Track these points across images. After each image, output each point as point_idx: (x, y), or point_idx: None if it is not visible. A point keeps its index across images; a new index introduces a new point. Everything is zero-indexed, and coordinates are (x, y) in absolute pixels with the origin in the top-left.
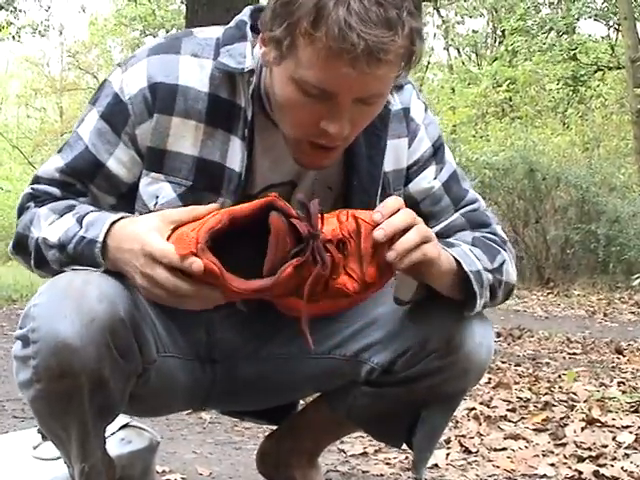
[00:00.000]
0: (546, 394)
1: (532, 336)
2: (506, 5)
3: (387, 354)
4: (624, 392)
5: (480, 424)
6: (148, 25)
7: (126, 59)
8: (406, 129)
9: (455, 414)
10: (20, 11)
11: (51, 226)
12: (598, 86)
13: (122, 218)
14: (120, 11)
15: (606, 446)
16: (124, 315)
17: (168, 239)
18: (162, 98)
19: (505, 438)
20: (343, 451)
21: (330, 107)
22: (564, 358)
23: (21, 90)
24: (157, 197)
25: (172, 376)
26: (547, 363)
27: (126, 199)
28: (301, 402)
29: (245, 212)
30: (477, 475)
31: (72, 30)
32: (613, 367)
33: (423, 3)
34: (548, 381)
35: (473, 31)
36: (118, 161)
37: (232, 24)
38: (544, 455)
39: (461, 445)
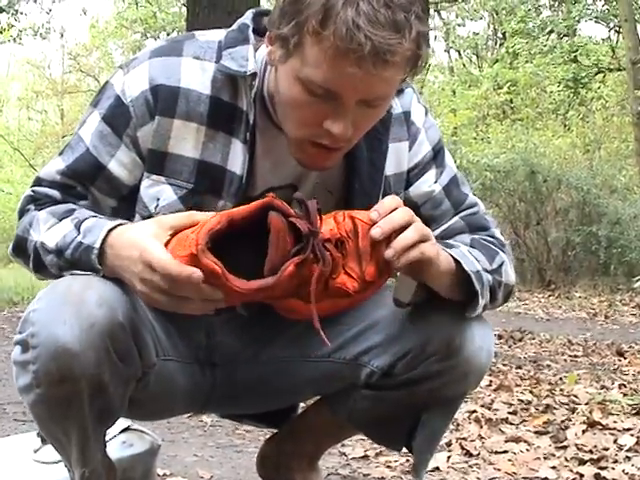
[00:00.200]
0: (547, 397)
1: (533, 338)
2: (507, 7)
3: (387, 357)
4: (625, 395)
5: (481, 427)
6: (149, 28)
7: (128, 61)
8: (407, 132)
9: (456, 417)
10: (21, 13)
11: (49, 231)
12: (599, 88)
13: (120, 225)
14: (121, 14)
15: (607, 449)
16: (123, 319)
17: (167, 245)
18: (164, 100)
19: (506, 441)
20: (344, 454)
21: (334, 107)
22: (565, 360)
23: (22, 92)
24: (158, 199)
25: (172, 380)
26: (548, 365)
27: (127, 201)
28: (301, 405)
29: (243, 214)
30: (478, 478)
31: (73, 33)
32: (614, 369)
33: None
34: (549, 384)
35: (474, 33)
36: (119, 163)
37: (234, 27)
38: (545, 458)
39: (462, 448)
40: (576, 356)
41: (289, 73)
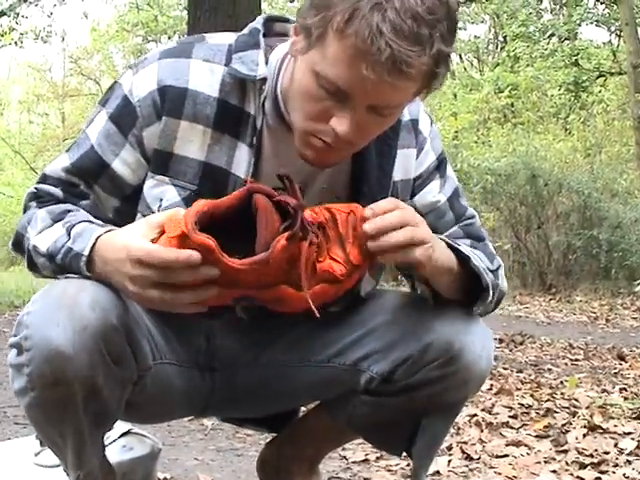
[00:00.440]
0: (548, 400)
1: (534, 342)
2: (508, 11)
3: (386, 363)
4: (626, 398)
5: (482, 431)
6: (150, 31)
7: (137, 61)
8: (414, 140)
9: (457, 420)
10: (23, 17)
11: (42, 234)
12: (600, 92)
13: (109, 231)
14: (122, 17)
15: (608, 453)
16: (117, 322)
17: (155, 242)
18: (171, 101)
19: (507, 445)
20: (345, 458)
21: (343, 107)
22: (566, 364)
23: (23, 96)
24: (161, 200)
25: (170, 383)
26: (549, 369)
27: (130, 201)
28: (302, 409)
29: (228, 203)
30: None
31: (74, 36)
32: (615, 373)
33: None
34: (550, 387)
35: (475, 37)
36: (123, 162)
37: (245, 31)
38: (546, 462)
39: (463, 452)
40: (577, 360)
41: (307, 65)
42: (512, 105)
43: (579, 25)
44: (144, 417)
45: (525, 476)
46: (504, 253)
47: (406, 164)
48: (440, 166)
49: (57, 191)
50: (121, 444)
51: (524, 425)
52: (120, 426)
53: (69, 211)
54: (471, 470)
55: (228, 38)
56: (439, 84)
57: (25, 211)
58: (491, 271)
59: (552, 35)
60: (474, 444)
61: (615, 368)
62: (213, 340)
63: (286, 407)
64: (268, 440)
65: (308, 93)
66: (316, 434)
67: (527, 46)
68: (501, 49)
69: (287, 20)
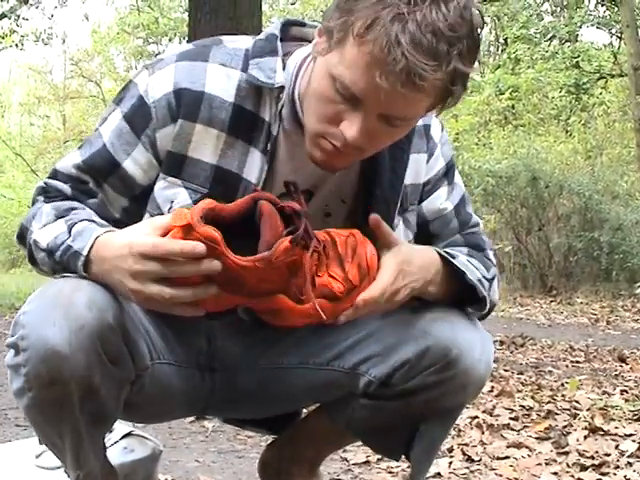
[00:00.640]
0: (549, 402)
1: (535, 344)
2: (509, 13)
3: (385, 367)
4: (627, 400)
5: (483, 432)
6: (151, 33)
7: (153, 62)
8: (425, 145)
9: (457, 422)
10: (23, 19)
11: (44, 229)
12: (601, 94)
13: (109, 231)
14: (123, 19)
15: (609, 455)
16: (113, 322)
17: None
18: (187, 104)
19: (508, 447)
20: (346, 460)
21: (355, 112)
22: (567, 366)
23: (24, 98)
24: (172, 202)
25: (168, 383)
26: (550, 371)
27: (138, 201)
28: (304, 411)
29: (232, 207)
30: None
31: (75, 38)
32: (616, 375)
33: None
34: (551, 389)
35: None
36: (135, 162)
37: (262, 36)
38: (547, 464)
39: (464, 454)
40: (578, 362)
41: (325, 67)
42: (513, 107)
43: (580, 27)
44: (144, 417)
45: (526, 478)
46: (505, 255)
47: (417, 169)
48: (448, 172)
49: (66, 187)
50: (122, 446)
51: (525, 427)
52: (121, 428)
53: (74, 208)
54: (472, 472)
55: (245, 42)
56: (454, 102)
57: (33, 204)
58: (487, 279)
59: (553, 37)
60: (475, 446)
61: (616, 370)
62: (214, 341)
63: (286, 409)
64: (269, 442)
65: (323, 95)
66: (316, 437)
67: (528, 48)
68: (502, 51)
69: (304, 24)
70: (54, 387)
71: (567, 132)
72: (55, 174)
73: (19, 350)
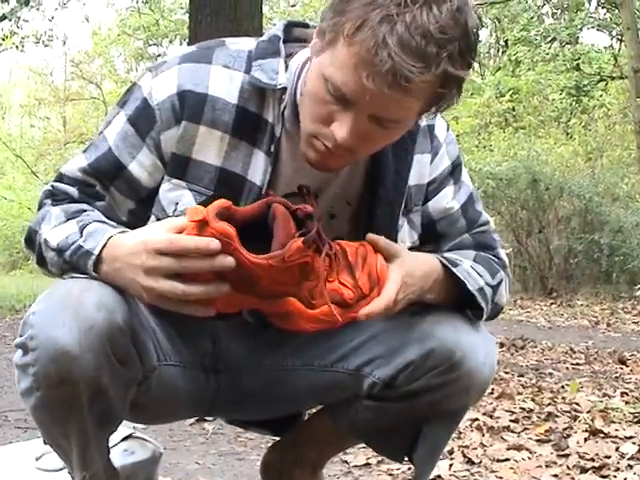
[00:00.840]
0: (549, 405)
1: (535, 346)
2: (509, 15)
3: (389, 369)
4: (627, 403)
5: (483, 435)
6: (151, 35)
7: (157, 64)
8: (429, 145)
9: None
10: (24, 21)
11: (55, 229)
12: (601, 96)
13: (121, 232)
14: (123, 21)
15: (609, 457)
16: (122, 323)
17: None
18: (190, 106)
19: (508, 449)
20: (346, 462)
21: (345, 113)
22: (567, 368)
23: (24, 100)
24: (177, 204)
25: (174, 385)
26: (550, 373)
27: (145, 204)
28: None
29: (246, 209)
30: None
31: (75, 40)
32: (616, 377)
33: None
34: (551, 392)
35: None
36: (140, 165)
37: (265, 38)
38: (547, 466)
39: (464, 456)
40: (578, 364)
41: (318, 67)
42: (513, 109)
43: (580, 29)
44: (149, 417)
45: None
46: (506, 258)
47: (421, 169)
48: (454, 171)
49: (73, 190)
50: (123, 448)
51: (525, 429)
52: (121, 430)
53: (84, 210)
54: (472, 474)
55: (248, 44)
56: (448, 105)
57: (40, 208)
58: (490, 286)
59: (553, 39)
60: (475, 448)
61: (616, 372)
62: (219, 343)
63: (289, 410)
64: (271, 444)
65: (316, 95)
66: (319, 438)
67: (528, 50)
68: (502, 53)
69: (307, 25)
70: (63, 387)
71: (567, 134)
72: (61, 178)
73: (28, 350)
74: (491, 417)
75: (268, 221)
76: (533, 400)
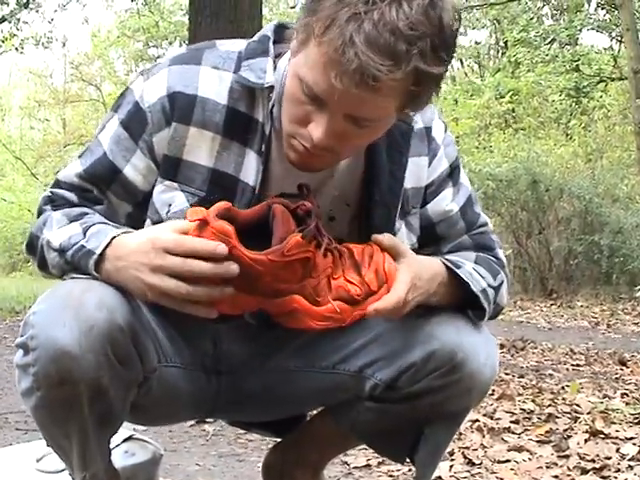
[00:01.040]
0: (549, 406)
1: (535, 347)
2: (509, 17)
3: (391, 370)
4: (628, 404)
5: (483, 436)
6: (151, 37)
7: (149, 68)
8: (427, 148)
9: None
10: (24, 23)
11: (58, 230)
12: (601, 97)
13: (126, 232)
14: (123, 23)
15: (610, 458)
16: (123, 323)
17: None
18: (180, 108)
19: (509, 450)
20: (346, 463)
21: (321, 113)
22: (567, 369)
23: (24, 102)
24: (170, 205)
25: (175, 386)
26: (550, 375)
27: (142, 207)
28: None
29: (248, 212)
30: None
31: (75, 42)
32: (616, 378)
33: None
34: (551, 393)
35: (476, 42)
36: (134, 168)
37: (255, 38)
38: (548, 467)
39: (464, 457)
40: (578, 365)
41: (293, 67)
42: (513, 110)
43: (580, 31)
44: (150, 419)
45: None
46: (505, 258)
47: (418, 172)
48: (453, 173)
49: (72, 195)
50: (123, 450)
51: (526, 430)
52: (121, 432)
53: (86, 214)
54: (473, 475)
55: (238, 45)
56: (426, 102)
57: (39, 214)
58: (492, 287)
59: (553, 41)
60: (476, 449)
61: (616, 373)
62: (220, 344)
63: (291, 412)
64: (272, 445)
65: (293, 96)
66: (320, 439)
67: (528, 51)
68: (502, 54)
69: None
70: (63, 387)
71: (567, 135)
72: (59, 184)
73: (28, 350)
74: (491, 418)
75: (269, 223)
76: (533, 401)
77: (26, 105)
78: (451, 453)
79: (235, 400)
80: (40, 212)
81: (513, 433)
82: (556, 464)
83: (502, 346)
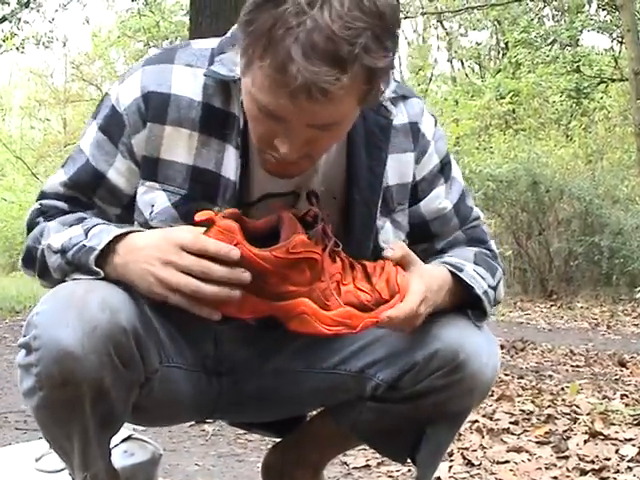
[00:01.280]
0: (549, 407)
1: (535, 348)
2: (510, 17)
3: (393, 370)
4: (627, 405)
5: (483, 437)
6: (152, 37)
7: (124, 72)
8: (413, 144)
9: None
10: (24, 22)
11: (59, 234)
12: (601, 98)
13: (132, 232)
14: (124, 23)
15: (609, 459)
16: (126, 324)
17: None
18: (154, 107)
19: (508, 451)
20: (346, 464)
21: (284, 128)
22: (567, 371)
23: (25, 101)
24: (152, 206)
25: (177, 387)
26: (550, 376)
27: (129, 210)
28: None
29: (258, 223)
30: None
31: (76, 41)
32: (616, 380)
33: (427, 15)
34: (551, 394)
35: (477, 43)
36: (117, 172)
37: (228, 34)
38: (547, 468)
39: (464, 458)
40: (578, 366)
41: (245, 87)
42: (513, 111)
43: (581, 32)
44: (152, 420)
45: None
46: (505, 259)
47: (401, 168)
48: (444, 169)
49: (62, 204)
50: (122, 450)
51: (525, 431)
52: (121, 432)
53: (84, 217)
54: (472, 476)
55: (212, 42)
56: (385, 87)
57: (31, 228)
58: (492, 287)
59: (554, 42)
60: (475, 450)
61: (616, 374)
62: (221, 346)
63: (293, 413)
64: (272, 445)
65: (252, 115)
66: (320, 439)
67: (529, 52)
68: (503, 55)
69: None
70: (66, 388)
71: (568, 136)
72: (45, 196)
73: (31, 350)
74: (491, 419)
75: (279, 232)
76: (533, 402)
77: (27, 105)
78: (450, 454)
79: (236, 401)
80: (32, 226)
81: (512, 434)
82: (555, 465)
83: (502, 347)
